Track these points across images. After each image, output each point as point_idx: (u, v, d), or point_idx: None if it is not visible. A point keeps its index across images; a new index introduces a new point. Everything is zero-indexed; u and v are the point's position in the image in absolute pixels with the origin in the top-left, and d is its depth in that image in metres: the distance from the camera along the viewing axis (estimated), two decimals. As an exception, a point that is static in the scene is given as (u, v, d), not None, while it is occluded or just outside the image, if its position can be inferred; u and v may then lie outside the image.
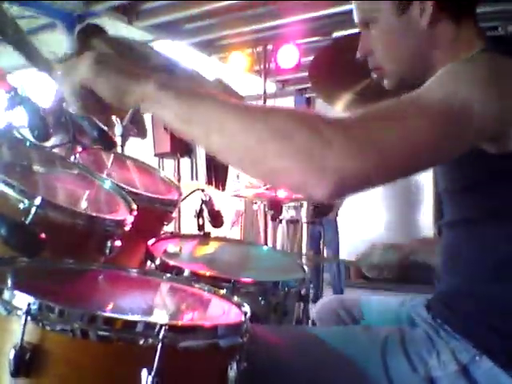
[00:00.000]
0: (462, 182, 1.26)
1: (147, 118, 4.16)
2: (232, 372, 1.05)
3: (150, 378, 0.94)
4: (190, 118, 1.00)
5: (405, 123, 0.99)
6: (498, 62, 1.12)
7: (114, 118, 2.75)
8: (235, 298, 1.31)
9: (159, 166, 4.39)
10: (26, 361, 0.94)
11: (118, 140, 1.70)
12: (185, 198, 2.31)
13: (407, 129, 0.99)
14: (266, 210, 4.25)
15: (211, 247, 2.07)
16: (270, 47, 5.20)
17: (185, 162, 4.81)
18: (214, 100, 1.02)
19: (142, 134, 4.04)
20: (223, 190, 4.70)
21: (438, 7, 1.24)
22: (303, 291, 1.76)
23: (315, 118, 0.98)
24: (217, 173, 4.67)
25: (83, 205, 1.60)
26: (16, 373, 0.93)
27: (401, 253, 1.74)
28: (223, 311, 1.28)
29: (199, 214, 2.20)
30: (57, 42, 8.76)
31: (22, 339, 0.94)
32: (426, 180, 6.38)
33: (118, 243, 1.50)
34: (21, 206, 1.29)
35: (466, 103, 1.02)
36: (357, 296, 1.77)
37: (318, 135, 0.93)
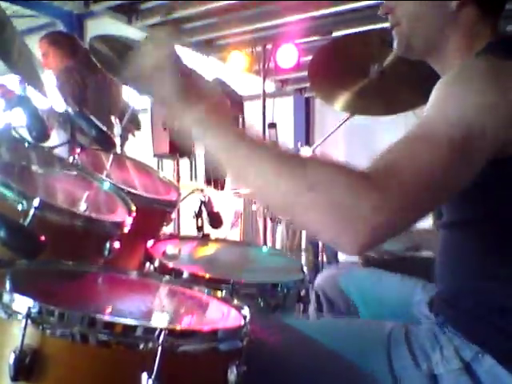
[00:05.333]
0: None
1: (146, 118, 4.16)
2: (232, 376, 1.05)
3: (150, 382, 0.94)
4: (232, 156, 1.05)
5: (423, 166, 1.00)
6: (498, 69, 1.13)
7: (113, 118, 2.76)
8: (235, 301, 1.31)
9: (158, 167, 4.38)
10: (26, 364, 0.94)
11: (117, 140, 1.70)
12: (184, 198, 2.31)
13: (427, 171, 1.00)
14: (266, 210, 4.25)
15: (210, 249, 2.06)
16: (269, 47, 5.18)
17: (184, 162, 4.81)
18: (255, 143, 1.06)
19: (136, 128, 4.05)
20: (222, 190, 4.70)
21: None
22: (302, 292, 1.76)
23: (349, 171, 1.00)
24: (216, 174, 4.66)
25: (82, 206, 1.59)
26: (16, 377, 0.93)
27: (407, 243, 1.74)
28: (223, 314, 1.27)
29: (198, 215, 2.20)
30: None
31: (22, 343, 0.94)
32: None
33: (116, 245, 1.49)
34: (19, 207, 1.29)
35: (474, 126, 1.04)
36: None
37: (353, 190, 0.96)
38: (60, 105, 1.73)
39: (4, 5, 2.16)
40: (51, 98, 1.72)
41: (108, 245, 1.47)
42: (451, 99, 1.10)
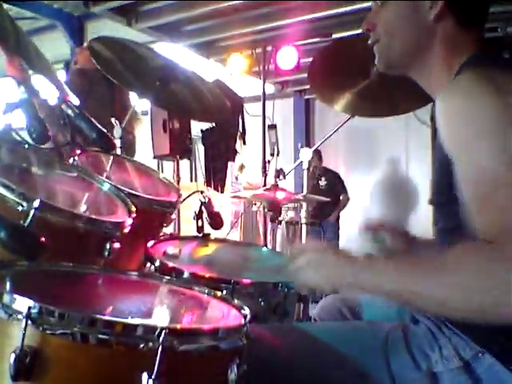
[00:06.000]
0: (447, 195, 1.29)
1: (146, 120, 4.16)
2: (232, 375, 1.05)
3: (151, 381, 0.94)
4: (401, 287, 1.08)
5: None
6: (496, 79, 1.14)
7: (113, 120, 2.76)
8: (235, 301, 1.31)
9: (158, 168, 4.39)
10: (27, 364, 0.94)
11: (117, 142, 1.70)
12: (184, 199, 2.31)
13: None
14: (266, 211, 4.25)
15: (211, 249, 2.06)
16: (269, 49, 5.19)
17: (184, 163, 4.81)
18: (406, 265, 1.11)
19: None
20: (222, 191, 4.70)
21: (447, 7, 1.27)
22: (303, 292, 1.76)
23: (478, 251, 1.03)
24: (216, 175, 4.67)
25: (82, 207, 1.60)
26: (16, 377, 0.93)
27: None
28: (223, 314, 1.27)
29: (198, 216, 2.20)
30: (57, 42, 8.78)
31: (23, 343, 0.94)
32: (423, 185, 6.38)
33: (117, 245, 1.49)
34: (19, 208, 1.29)
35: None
36: (357, 295, 1.76)
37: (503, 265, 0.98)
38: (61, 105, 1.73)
39: (4, 6, 2.17)
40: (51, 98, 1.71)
41: (108, 245, 1.47)
42: (484, 134, 1.10)
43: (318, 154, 6.22)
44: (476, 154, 1.10)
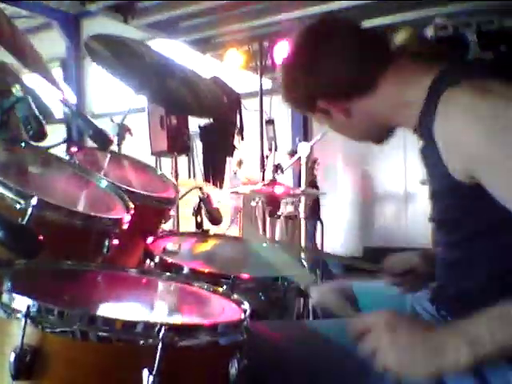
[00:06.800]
0: (443, 215, 1.29)
1: (143, 117, 4.15)
2: (233, 369, 1.05)
3: (151, 377, 0.94)
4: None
5: None
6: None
7: (109, 118, 2.75)
8: (234, 296, 1.31)
9: (156, 165, 4.37)
10: (27, 363, 0.94)
11: (115, 139, 1.69)
12: (183, 196, 2.31)
13: None
14: (264, 206, 4.25)
15: (210, 244, 2.06)
16: (265, 44, 5.18)
17: (182, 160, 4.80)
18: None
19: None
20: (221, 187, 4.70)
21: (328, 101, 1.32)
22: (303, 286, 1.76)
23: None
24: (214, 170, 4.67)
25: (80, 205, 1.59)
26: (17, 375, 0.93)
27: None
28: (223, 309, 1.27)
29: (197, 212, 2.20)
30: (53, 41, 8.77)
31: (22, 342, 0.94)
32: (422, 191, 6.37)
33: (115, 242, 1.49)
34: (17, 206, 1.29)
35: None
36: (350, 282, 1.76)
37: None
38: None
39: (0, 5, 2.16)
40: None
41: (107, 242, 1.47)
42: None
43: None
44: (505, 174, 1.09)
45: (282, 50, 5.16)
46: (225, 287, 1.51)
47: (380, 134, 1.41)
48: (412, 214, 6.60)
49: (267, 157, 4.82)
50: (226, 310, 1.26)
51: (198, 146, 5.24)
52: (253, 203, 4.55)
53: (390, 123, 1.37)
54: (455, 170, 1.15)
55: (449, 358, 1.04)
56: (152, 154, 4.20)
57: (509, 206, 1.09)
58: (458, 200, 1.20)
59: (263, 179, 4.47)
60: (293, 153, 4.83)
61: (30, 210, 1.27)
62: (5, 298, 0.99)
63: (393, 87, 1.28)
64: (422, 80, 1.24)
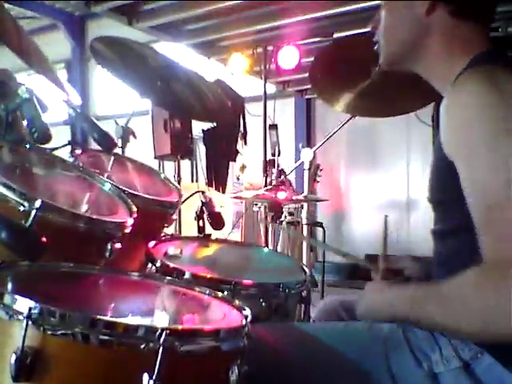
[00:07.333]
0: (441, 195, 1.30)
1: (147, 120, 4.16)
2: (233, 375, 1.05)
3: (152, 382, 0.94)
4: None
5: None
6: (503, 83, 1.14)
7: (114, 120, 2.76)
8: (236, 302, 1.31)
9: (160, 168, 4.37)
10: (27, 365, 0.94)
11: (119, 142, 1.69)
12: (185, 200, 2.31)
13: None
14: (267, 211, 4.25)
15: (212, 249, 2.06)
16: (270, 48, 5.18)
17: (185, 164, 4.80)
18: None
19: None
20: (223, 191, 4.70)
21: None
22: (304, 293, 1.76)
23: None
24: (217, 175, 4.67)
25: (83, 207, 1.60)
26: (17, 377, 0.93)
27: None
28: (224, 314, 1.27)
29: (199, 216, 2.20)
30: (58, 42, 8.79)
31: (23, 343, 0.94)
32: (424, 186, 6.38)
33: (118, 245, 1.49)
34: (21, 208, 1.29)
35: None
36: (356, 297, 1.76)
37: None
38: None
39: (6, 6, 2.17)
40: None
41: (109, 246, 1.47)
42: (484, 140, 1.11)
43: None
44: (476, 163, 1.11)
45: (286, 55, 5.17)
46: (226, 293, 1.51)
47: (405, 66, 1.40)
48: (414, 223, 6.61)
49: (270, 162, 4.82)
50: (227, 315, 1.26)
51: (201, 150, 5.25)
52: (255, 208, 4.56)
53: (425, 72, 1.38)
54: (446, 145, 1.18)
55: (382, 311, 1.27)
56: (155, 157, 4.20)
57: (469, 200, 1.12)
58: (448, 180, 1.21)
59: (266, 184, 4.47)
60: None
61: (33, 213, 1.28)
62: (7, 299, 0.99)
63: (445, 45, 1.31)
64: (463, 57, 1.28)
